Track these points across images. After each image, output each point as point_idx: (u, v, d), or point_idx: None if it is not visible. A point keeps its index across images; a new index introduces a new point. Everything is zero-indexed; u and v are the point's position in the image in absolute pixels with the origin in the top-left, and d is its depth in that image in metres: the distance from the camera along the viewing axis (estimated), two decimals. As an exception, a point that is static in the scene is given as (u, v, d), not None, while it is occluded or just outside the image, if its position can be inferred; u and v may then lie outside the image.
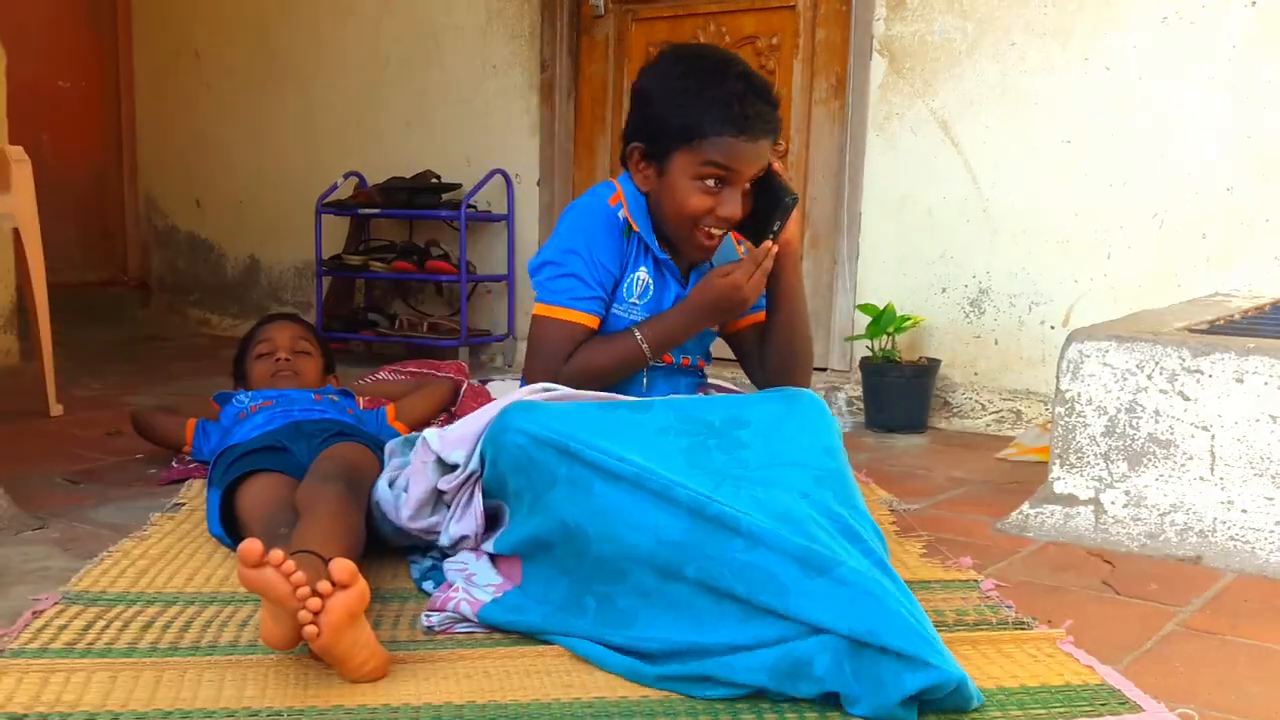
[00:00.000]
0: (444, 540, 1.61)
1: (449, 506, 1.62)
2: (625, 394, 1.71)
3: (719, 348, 1.98)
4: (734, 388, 1.92)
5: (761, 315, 1.86)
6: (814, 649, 1.20)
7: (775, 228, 1.69)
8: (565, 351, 1.70)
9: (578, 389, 1.63)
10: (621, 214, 1.74)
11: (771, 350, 1.83)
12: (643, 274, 1.76)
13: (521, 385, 1.70)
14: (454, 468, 1.59)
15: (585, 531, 1.37)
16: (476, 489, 1.56)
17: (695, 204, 1.67)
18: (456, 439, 1.59)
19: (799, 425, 1.52)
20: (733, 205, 1.67)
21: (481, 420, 1.57)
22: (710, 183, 1.66)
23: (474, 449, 1.55)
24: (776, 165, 1.72)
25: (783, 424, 1.52)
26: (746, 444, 1.48)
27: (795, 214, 1.72)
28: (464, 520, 1.58)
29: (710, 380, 1.96)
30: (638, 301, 1.76)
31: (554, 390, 1.62)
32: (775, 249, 1.68)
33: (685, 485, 1.32)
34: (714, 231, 1.70)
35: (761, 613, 1.24)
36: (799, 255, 1.80)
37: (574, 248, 1.71)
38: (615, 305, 1.75)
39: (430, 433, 1.62)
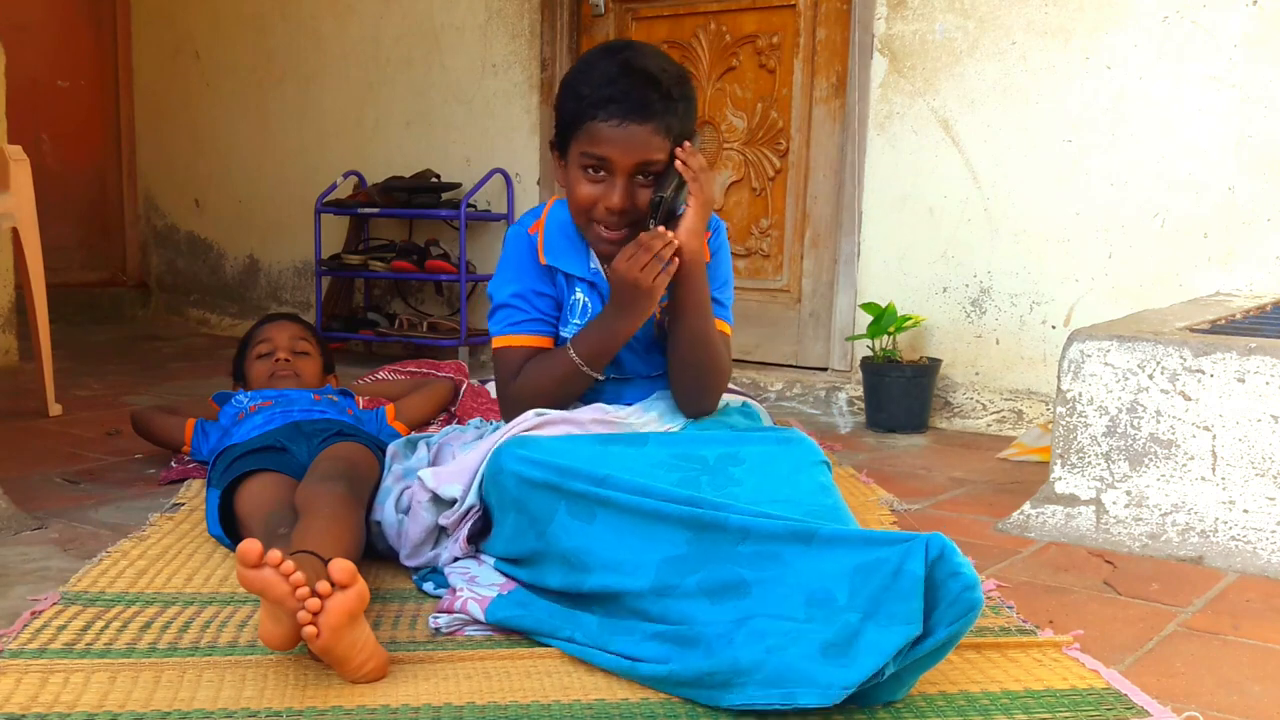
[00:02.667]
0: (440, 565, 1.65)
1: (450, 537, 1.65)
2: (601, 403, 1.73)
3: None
4: (734, 388, 1.91)
5: None
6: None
7: (649, 225, 1.58)
8: (513, 373, 1.71)
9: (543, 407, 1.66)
10: (537, 242, 1.74)
11: (670, 366, 1.71)
12: (579, 295, 1.74)
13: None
14: (451, 502, 1.61)
15: (585, 562, 1.39)
16: (467, 525, 1.59)
17: (580, 194, 1.62)
18: (451, 474, 1.62)
19: (793, 465, 1.54)
20: (616, 196, 1.59)
21: (477, 455, 1.59)
22: (591, 171, 1.61)
23: (471, 482, 1.57)
24: (680, 163, 1.59)
25: (776, 463, 1.53)
26: (739, 480, 1.50)
27: (693, 220, 1.59)
28: (453, 545, 1.62)
29: None
30: (579, 322, 1.74)
31: (546, 415, 1.63)
32: (665, 232, 1.56)
33: (676, 501, 1.36)
34: (607, 225, 1.63)
35: (758, 609, 1.26)
36: (695, 262, 1.62)
37: (506, 279, 1.74)
38: (563, 329, 1.75)
39: (425, 471, 1.65)
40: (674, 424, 1.70)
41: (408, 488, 1.71)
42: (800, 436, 1.61)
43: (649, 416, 1.70)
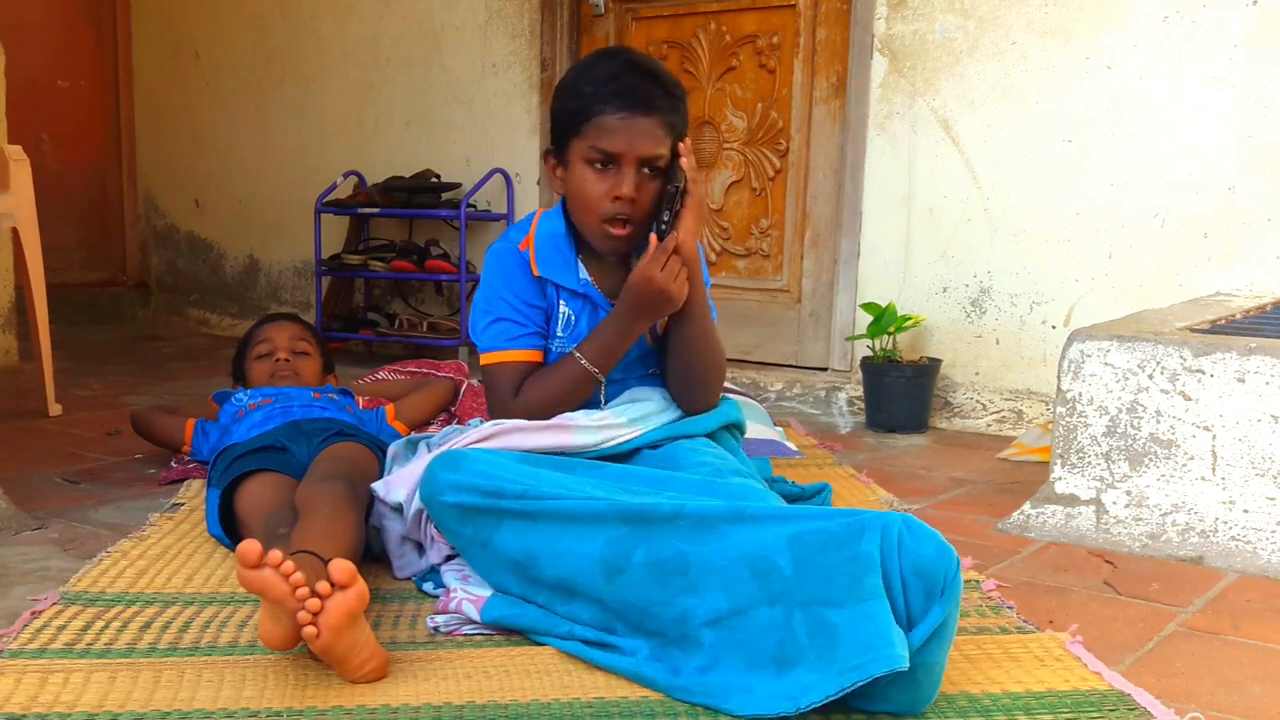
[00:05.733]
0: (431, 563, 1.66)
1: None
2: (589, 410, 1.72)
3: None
4: (733, 388, 1.91)
5: None
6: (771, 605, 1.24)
7: (665, 218, 1.62)
8: (512, 390, 1.71)
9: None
10: (529, 257, 1.73)
11: (669, 366, 1.75)
12: (563, 308, 1.74)
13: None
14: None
15: (535, 559, 1.40)
16: (431, 525, 1.59)
17: (590, 189, 1.64)
18: (398, 480, 1.63)
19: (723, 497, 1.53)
20: (626, 184, 1.61)
21: (422, 463, 1.59)
22: (599, 166, 1.63)
23: (415, 489, 1.57)
24: (684, 161, 1.64)
25: (704, 494, 1.52)
26: None
27: (688, 219, 1.63)
28: (434, 549, 1.62)
29: None
30: (562, 334, 1.74)
31: (501, 424, 1.63)
32: (677, 235, 1.62)
33: (601, 497, 1.38)
34: (619, 218, 1.65)
35: (705, 582, 1.28)
36: (695, 262, 1.66)
37: (499, 294, 1.73)
38: (550, 343, 1.75)
39: (376, 484, 1.67)
40: (645, 426, 1.69)
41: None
42: (736, 489, 1.54)
43: (619, 420, 1.68)
